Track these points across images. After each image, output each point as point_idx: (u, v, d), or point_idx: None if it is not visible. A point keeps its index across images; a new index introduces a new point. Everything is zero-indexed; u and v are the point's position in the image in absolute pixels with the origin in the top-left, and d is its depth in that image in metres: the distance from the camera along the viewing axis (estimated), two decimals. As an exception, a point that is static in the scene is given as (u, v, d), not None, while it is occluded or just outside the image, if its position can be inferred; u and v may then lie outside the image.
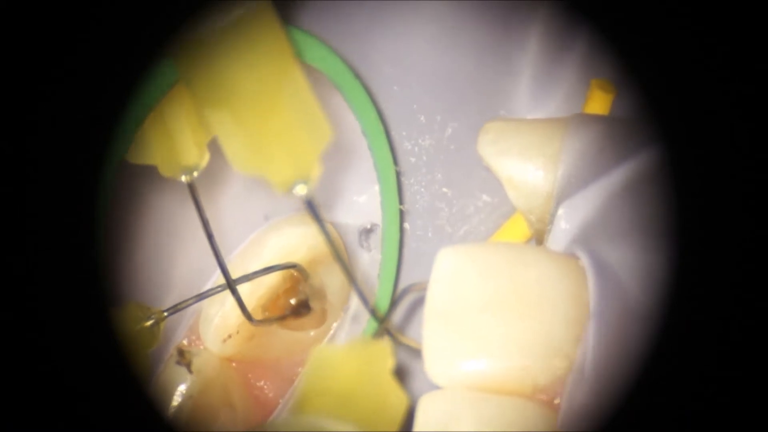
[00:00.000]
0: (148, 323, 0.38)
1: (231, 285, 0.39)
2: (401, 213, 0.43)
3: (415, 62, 0.41)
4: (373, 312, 0.37)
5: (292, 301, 0.43)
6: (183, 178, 0.36)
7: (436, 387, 0.33)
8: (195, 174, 0.36)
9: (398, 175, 0.42)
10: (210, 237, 0.37)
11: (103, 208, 0.29)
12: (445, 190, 0.43)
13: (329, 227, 0.44)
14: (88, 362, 0.27)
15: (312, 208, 0.31)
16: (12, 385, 0.26)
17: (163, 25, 0.28)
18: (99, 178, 0.28)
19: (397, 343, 0.38)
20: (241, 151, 0.31)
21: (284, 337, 0.43)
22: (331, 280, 0.44)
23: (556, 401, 0.33)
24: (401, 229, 0.43)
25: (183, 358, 0.40)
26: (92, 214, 0.28)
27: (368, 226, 0.45)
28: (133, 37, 0.27)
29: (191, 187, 0.36)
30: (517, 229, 0.42)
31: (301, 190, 0.31)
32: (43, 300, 0.26)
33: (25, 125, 0.26)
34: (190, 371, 0.40)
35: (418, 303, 0.42)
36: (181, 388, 0.40)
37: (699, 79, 0.27)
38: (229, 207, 0.44)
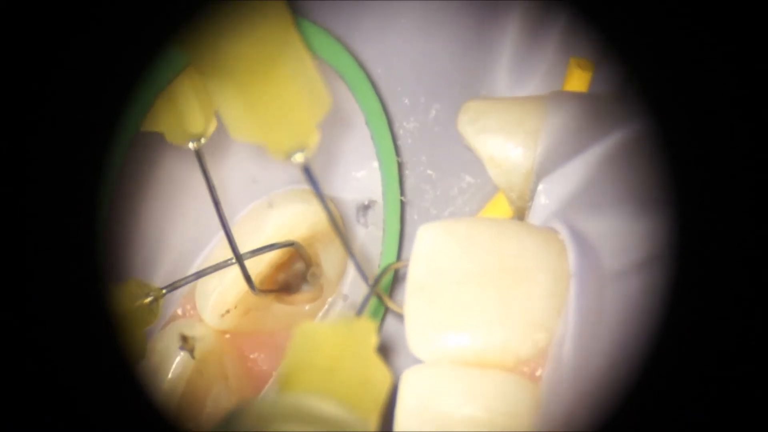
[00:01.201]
0: (147, 300, 0.39)
1: (239, 258, 0.39)
2: (402, 204, 0.43)
3: (398, 44, 0.41)
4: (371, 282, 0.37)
5: (293, 277, 0.43)
6: (190, 145, 0.36)
7: (420, 362, 0.34)
8: (202, 141, 0.36)
9: (400, 166, 0.42)
10: (216, 204, 0.37)
11: (106, 188, 0.29)
12: (429, 172, 0.43)
13: (329, 202, 0.44)
14: (84, 337, 0.27)
15: (309, 176, 0.31)
16: (5, 357, 0.27)
17: (170, 20, 0.28)
18: (103, 161, 0.28)
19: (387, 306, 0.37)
20: (241, 119, 0.31)
21: (279, 311, 0.43)
22: (327, 256, 0.44)
23: (538, 373, 0.33)
24: (402, 220, 0.43)
25: (186, 343, 0.40)
26: (93, 196, 0.28)
27: (366, 203, 0.45)
28: (136, 35, 0.27)
29: (198, 155, 0.36)
30: (500, 209, 0.42)
31: (299, 158, 0.31)
32: (39, 276, 0.27)
33: (26, 102, 0.27)
34: (192, 357, 0.40)
35: (400, 280, 0.42)
36: (177, 361, 0.40)
37: (682, 52, 0.27)
38: (225, 178, 0.44)
